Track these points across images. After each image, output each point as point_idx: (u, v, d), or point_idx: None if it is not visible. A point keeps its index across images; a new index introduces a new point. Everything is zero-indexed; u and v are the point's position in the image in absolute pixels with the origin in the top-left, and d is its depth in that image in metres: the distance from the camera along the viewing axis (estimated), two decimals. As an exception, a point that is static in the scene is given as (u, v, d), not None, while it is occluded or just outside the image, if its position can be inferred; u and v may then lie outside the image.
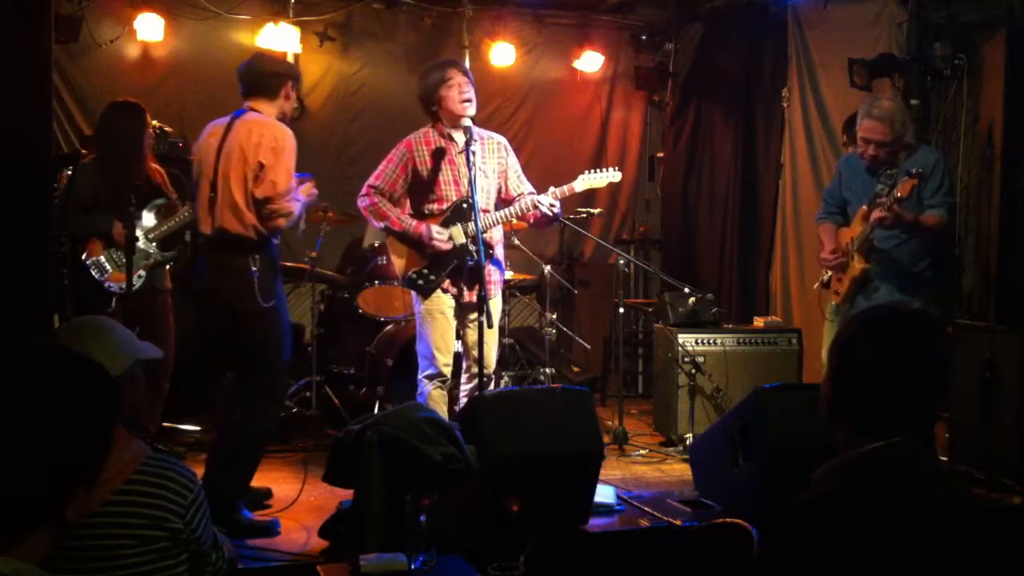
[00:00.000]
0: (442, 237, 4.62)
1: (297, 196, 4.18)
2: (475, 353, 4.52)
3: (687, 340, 5.76)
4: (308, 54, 7.37)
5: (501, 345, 5.71)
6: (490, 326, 4.46)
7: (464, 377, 4.84)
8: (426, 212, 4.72)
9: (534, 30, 8.08)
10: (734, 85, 7.70)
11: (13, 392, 1.42)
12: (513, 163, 4.86)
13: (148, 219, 5.09)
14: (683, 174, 8.22)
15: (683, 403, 5.71)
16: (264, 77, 4.19)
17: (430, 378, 4.66)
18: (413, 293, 4.76)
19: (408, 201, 4.83)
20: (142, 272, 5.00)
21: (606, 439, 4.72)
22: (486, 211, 4.71)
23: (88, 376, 1.51)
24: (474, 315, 4.48)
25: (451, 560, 3.15)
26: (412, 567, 3.05)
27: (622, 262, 6.32)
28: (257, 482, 4.54)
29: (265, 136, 4.05)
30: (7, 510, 1.39)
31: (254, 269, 4.04)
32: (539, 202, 4.68)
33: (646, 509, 4.34)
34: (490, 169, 4.75)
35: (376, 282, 6.07)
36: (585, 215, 6.54)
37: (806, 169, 6.93)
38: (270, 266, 4.13)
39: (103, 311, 4.76)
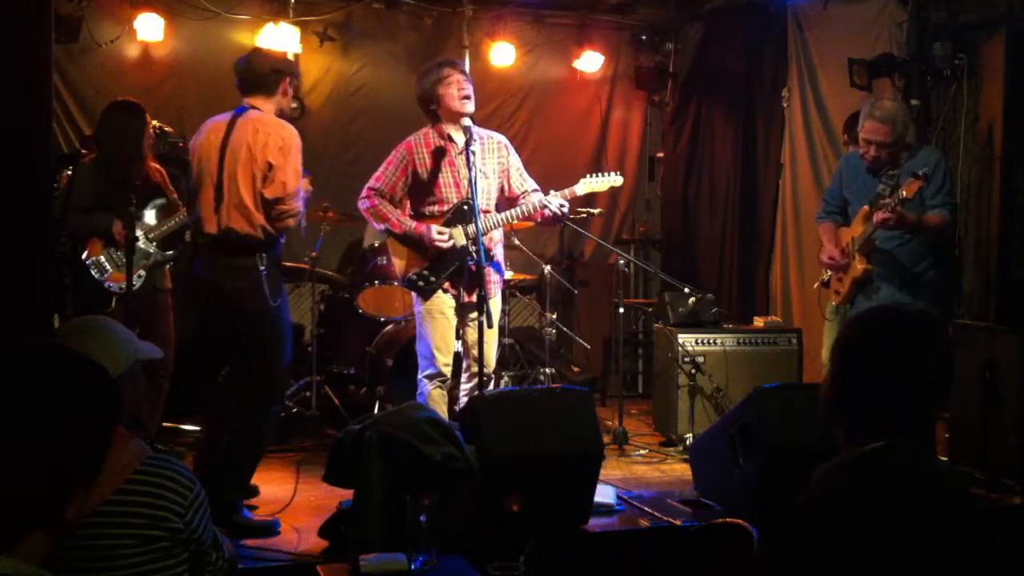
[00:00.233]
0: (443, 237, 4.62)
1: (299, 194, 4.16)
2: (475, 353, 4.52)
3: (687, 340, 5.76)
4: (308, 54, 7.38)
5: (501, 345, 5.71)
6: (490, 326, 4.46)
7: (464, 377, 4.84)
8: (426, 214, 4.72)
9: (534, 30, 8.08)
10: (734, 85, 7.70)
11: (13, 392, 1.42)
12: (515, 161, 4.85)
13: (148, 219, 5.09)
14: (683, 174, 8.22)
15: (683, 403, 5.71)
16: (263, 74, 4.16)
17: (430, 378, 4.66)
18: (413, 293, 4.76)
19: (408, 203, 4.82)
20: (142, 272, 5.00)
21: (606, 439, 4.72)
22: (487, 212, 4.71)
23: (88, 376, 1.51)
24: (474, 315, 4.48)
25: (451, 560, 3.15)
26: (412, 567, 3.04)
27: (622, 262, 6.33)
28: (255, 483, 4.55)
29: (272, 136, 4.02)
30: (7, 510, 1.39)
31: (262, 268, 4.03)
32: (548, 203, 4.69)
33: (646, 509, 4.34)
34: (490, 169, 4.75)
35: (376, 282, 6.07)
36: (585, 215, 6.54)
37: (806, 169, 6.93)
38: (276, 265, 4.13)
39: (103, 311, 4.76)
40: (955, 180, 5.33)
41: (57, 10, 5.81)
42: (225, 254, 4.07)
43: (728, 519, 3.28)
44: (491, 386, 4.74)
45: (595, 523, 4.10)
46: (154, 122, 5.32)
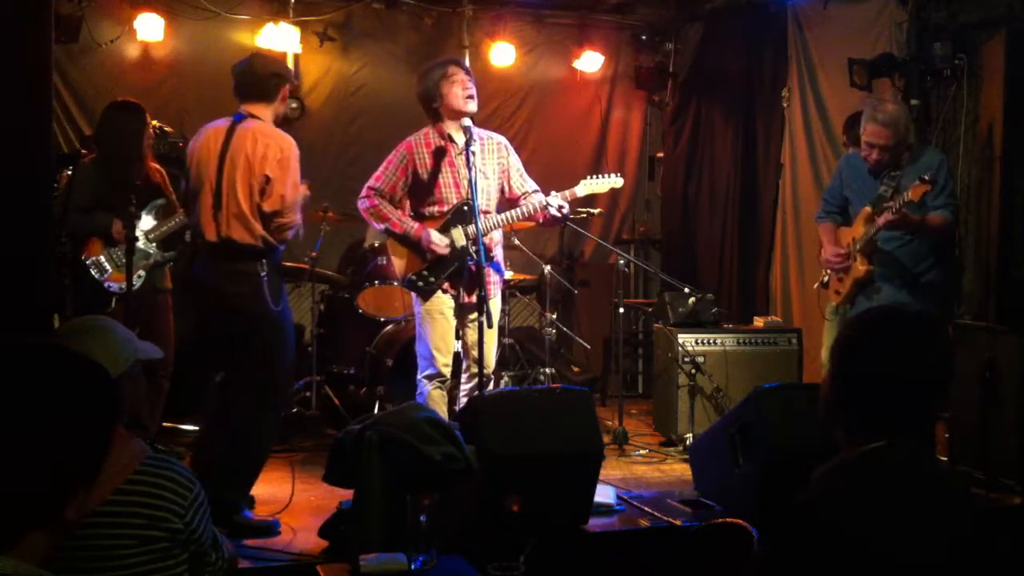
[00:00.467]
0: (441, 244, 4.61)
1: (298, 206, 4.16)
2: (475, 353, 4.52)
3: (687, 340, 5.76)
4: (308, 54, 7.38)
5: (501, 345, 5.71)
6: (490, 326, 4.46)
7: (464, 377, 4.84)
8: (426, 214, 4.72)
9: (534, 30, 8.08)
10: (734, 85, 7.70)
11: (13, 392, 1.42)
12: (515, 162, 4.85)
13: (148, 219, 5.09)
14: (683, 174, 8.22)
15: (683, 403, 5.71)
16: (262, 80, 4.15)
17: (430, 378, 4.66)
18: (413, 294, 4.76)
19: (408, 203, 4.82)
20: (142, 272, 5.00)
21: (606, 439, 4.72)
22: (487, 213, 4.70)
23: (88, 376, 1.51)
24: (474, 315, 4.48)
25: (451, 560, 3.15)
26: (412, 567, 3.04)
27: (622, 262, 6.33)
28: (257, 483, 4.55)
29: (271, 148, 4.02)
30: (7, 510, 1.39)
31: (263, 274, 4.03)
32: (548, 203, 4.68)
33: (646, 509, 4.34)
34: (490, 170, 4.75)
35: (376, 282, 6.07)
36: (585, 215, 6.54)
37: (806, 169, 6.93)
38: (276, 270, 4.13)
39: (103, 311, 4.76)
40: (956, 181, 5.34)
41: (57, 10, 5.81)
42: (225, 259, 4.07)
43: (728, 519, 3.28)
44: (491, 386, 4.74)
45: (595, 523, 4.10)
46: (154, 122, 5.32)
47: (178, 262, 5.10)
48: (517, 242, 6.30)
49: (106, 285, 4.94)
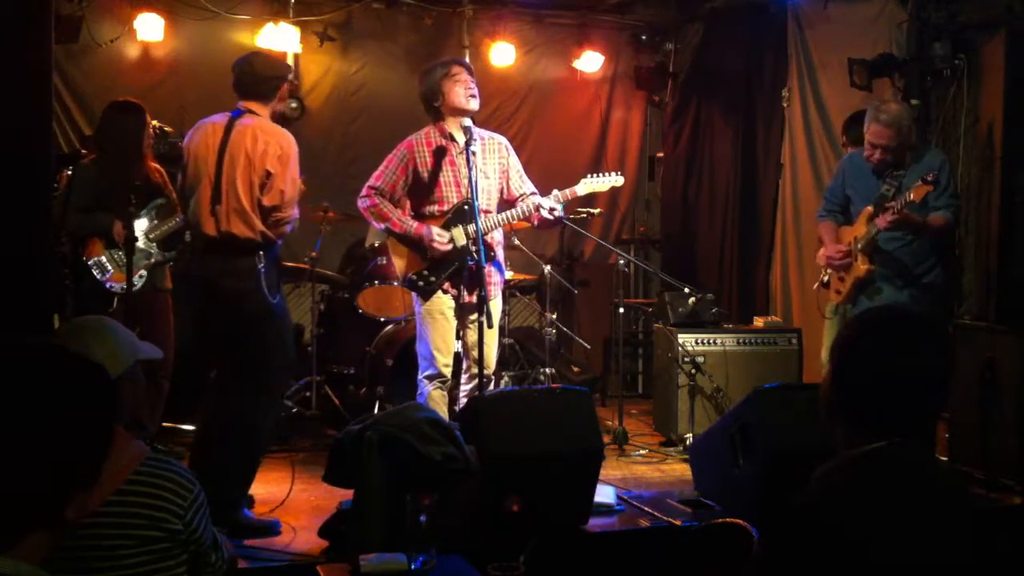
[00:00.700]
0: (443, 240, 4.61)
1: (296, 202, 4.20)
2: (475, 353, 4.52)
3: (687, 340, 5.76)
4: (308, 54, 7.38)
5: (501, 345, 5.71)
6: (490, 326, 4.46)
7: (464, 377, 4.84)
8: (426, 213, 4.72)
9: (534, 30, 8.08)
10: (734, 85, 7.70)
11: (13, 392, 1.42)
12: (514, 163, 4.86)
13: (148, 219, 5.09)
14: (683, 174, 8.22)
15: (683, 403, 5.71)
16: (262, 79, 4.16)
17: (430, 379, 4.66)
18: (413, 294, 4.76)
19: (408, 202, 4.82)
20: (143, 272, 5.00)
21: (606, 439, 4.72)
22: (487, 212, 4.71)
23: (88, 376, 1.51)
24: (474, 316, 4.48)
25: (451, 560, 3.15)
26: (412, 567, 3.05)
27: (622, 262, 6.32)
28: (256, 483, 4.55)
29: (271, 144, 4.04)
30: (7, 510, 1.39)
31: (261, 267, 4.05)
32: (540, 205, 4.68)
33: (646, 509, 4.34)
34: (491, 170, 4.75)
35: (376, 282, 6.07)
36: (585, 215, 6.54)
37: (806, 169, 6.93)
38: (274, 263, 4.16)
39: (103, 311, 4.76)
40: (958, 181, 5.34)
41: (57, 10, 5.81)
42: (223, 254, 4.08)
43: (728, 519, 3.28)
44: (491, 386, 4.74)
45: (595, 523, 4.10)
46: (154, 122, 5.32)
47: (178, 262, 5.10)
48: (517, 242, 6.30)
49: (107, 285, 4.94)
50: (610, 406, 6.54)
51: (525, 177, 4.88)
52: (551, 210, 4.69)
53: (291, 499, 4.35)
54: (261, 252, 4.06)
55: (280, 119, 4.30)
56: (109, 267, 4.96)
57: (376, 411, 5.54)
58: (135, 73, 7.01)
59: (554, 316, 6.44)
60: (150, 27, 6.83)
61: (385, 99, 7.54)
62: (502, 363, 5.96)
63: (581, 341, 7.01)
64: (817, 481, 1.84)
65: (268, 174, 4.02)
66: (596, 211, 6.86)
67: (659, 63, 8.34)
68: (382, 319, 6.07)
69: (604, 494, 4.29)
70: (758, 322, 6.26)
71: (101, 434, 1.49)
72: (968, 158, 5.69)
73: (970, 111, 5.69)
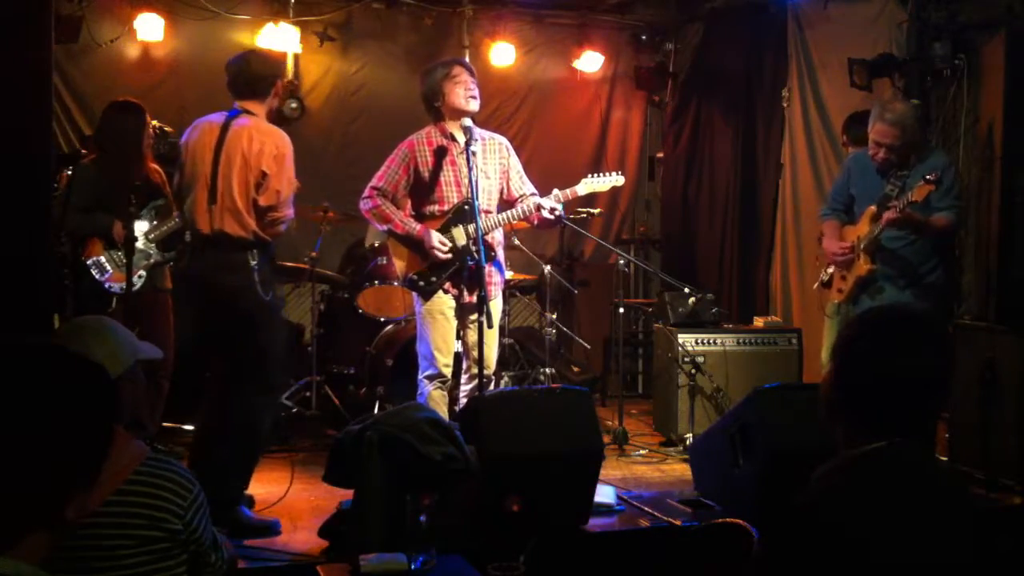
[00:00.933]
0: (443, 248, 4.61)
1: (291, 201, 4.24)
2: (475, 354, 4.52)
3: (687, 340, 5.76)
4: (308, 54, 7.38)
5: (501, 345, 5.71)
6: (490, 326, 4.46)
7: (464, 377, 4.84)
8: (427, 213, 4.72)
9: (534, 30, 8.08)
10: (734, 85, 7.70)
11: (13, 392, 1.42)
12: (515, 164, 4.86)
13: (147, 220, 5.09)
14: (683, 174, 8.22)
15: (683, 403, 5.71)
16: (256, 78, 4.19)
17: (430, 379, 4.66)
18: (414, 294, 4.76)
19: (409, 202, 4.82)
20: (143, 272, 5.00)
21: (606, 439, 4.72)
22: (488, 212, 4.71)
23: (88, 376, 1.51)
24: (474, 316, 4.48)
25: (451, 560, 3.15)
26: (412, 567, 3.05)
27: (622, 262, 6.32)
28: (255, 483, 4.55)
29: (267, 144, 4.07)
30: (7, 510, 1.39)
31: (254, 263, 4.08)
32: (540, 205, 4.69)
33: (646, 509, 4.34)
34: (492, 170, 4.75)
35: (376, 282, 6.07)
36: (585, 215, 6.54)
37: (806, 169, 6.93)
38: (269, 261, 4.19)
39: (103, 311, 4.76)
40: (962, 183, 5.32)
41: (57, 10, 5.80)
42: (217, 251, 4.13)
43: (728, 519, 3.28)
44: (491, 387, 4.74)
45: (595, 523, 4.10)
46: (154, 122, 5.32)
47: (178, 262, 5.10)
48: (517, 242, 6.30)
49: (107, 285, 4.94)
50: (610, 406, 6.54)
51: (525, 178, 4.89)
52: (551, 210, 4.69)
53: (291, 499, 4.35)
54: (255, 250, 4.10)
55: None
56: (108, 267, 4.96)
57: (376, 411, 5.54)
58: (135, 73, 7.01)
59: (554, 316, 6.44)
60: (150, 27, 6.83)
61: (385, 99, 7.54)
62: (502, 363, 5.96)
63: (581, 341, 7.01)
64: (817, 481, 1.84)
65: (264, 174, 4.04)
66: (596, 211, 6.86)
67: (659, 63, 8.34)
68: (382, 319, 6.07)
69: (604, 494, 4.29)
70: (758, 322, 6.26)
71: (101, 434, 1.49)
72: (968, 158, 5.68)
73: (970, 111, 5.69)
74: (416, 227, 4.65)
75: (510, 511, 3.59)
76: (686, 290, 5.98)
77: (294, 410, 5.93)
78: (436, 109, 4.71)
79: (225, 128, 4.12)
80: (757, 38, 7.46)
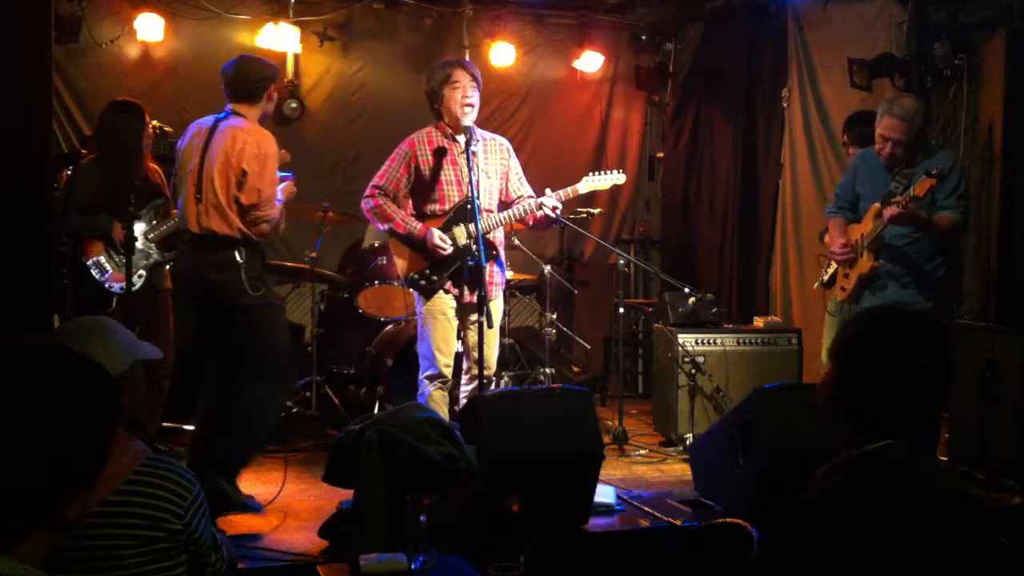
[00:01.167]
0: (445, 244, 4.61)
1: (278, 197, 4.30)
2: (475, 354, 4.52)
3: (687, 340, 5.76)
4: (308, 54, 7.38)
5: (501, 345, 5.71)
6: (490, 327, 4.46)
7: (465, 378, 4.84)
8: (428, 213, 4.72)
9: (534, 30, 8.08)
10: (734, 85, 7.71)
11: (13, 392, 1.42)
12: (515, 165, 4.86)
13: (146, 220, 5.09)
14: (683, 174, 8.22)
15: (683, 403, 5.71)
16: (249, 82, 4.27)
17: (431, 379, 4.65)
18: (416, 293, 4.76)
19: (410, 202, 4.82)
20: (142, 272, 5.00)
21: (606, 439, 4.72)
22: (489, 211, 4.71)
23: (88, 376, 1.51)
24: (475, 316, 4.48)
25: (451, 560, 3.15)
26: (412, 567, 3.05)
27: (622, 262, 6.32)
28: (254, 483, 4.55)
29: (248, 143, 4.15)
30: (7, 510, 1.39)
31: (240, 261, 4.17)
32: (543, 204, 4.68)
33: (646, 509, 4.33)
34: (493, 170, 4.75)
35: (376, 282, 6.07)
36: (585, 215, 6.54)
37: (806, 169, 6.93)
38: (257, 257, 4.25)
39: (103, 311, 4.76)
40: (970, 183, 5.29)
41: (57, 10, 5.81)
42: (206, 250, 4.22)
43: (728, 519, 3.28)
44: (491, 387, 4.74)
45: (595, 523, 4.10)
46: (154, 122, 5.32)
47: (177, 262, 5.11)
48: (517, 242, 6.29)
49: (106, 286, 4.94)
50: (610, 406, 6.53)
51: (524, 180, 4.89)
52: (553, 208, 4.69)
53: (291, 499, 4.35)
54: (241, 248, 4.18)
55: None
56: (108, 267, 4.96)
57: (376, 411, 5.54)
58: (135, 73, 7.01)
59: (554, 316, 6.44)
60: (150, 27, 6.83)
61: (385, 99, 7.54)
62: (502, 363, 5.96)
63: (581, 341, 7.01)
64: (817, 481, 1.84)
65: (244, 172, 4.13)
66: (596, 211, 6.86)
67: (659, 63, 8.34)
68: (382, 319, 6.07)
69: (604, 494, 4.29)
70: (758, 322, 6.25)
71: (101, 434, 1.49)
72: (968, 158, 5.68)
73: (970, 111, 5.69)
74: (417, 226, 4.65)
75: (510, 511, 3.59)
76: (686, 290, 5.97)
77: (294, 410, 5.93)
78: (436, 110, 4.71)
79: (213, 129, 4.24)
80: (757, 38, 7.46)
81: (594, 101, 8.40)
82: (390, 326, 6.00)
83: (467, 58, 7.36)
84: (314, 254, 6.15)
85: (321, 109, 7.54)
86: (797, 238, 7.04)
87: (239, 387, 4.17)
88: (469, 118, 4.60)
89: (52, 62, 3.89)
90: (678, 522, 4.13)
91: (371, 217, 4.78)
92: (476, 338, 4.44)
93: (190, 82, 6.98)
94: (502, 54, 7.77)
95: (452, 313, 4.68)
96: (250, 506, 4.13)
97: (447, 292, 4.68)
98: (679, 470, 5.19)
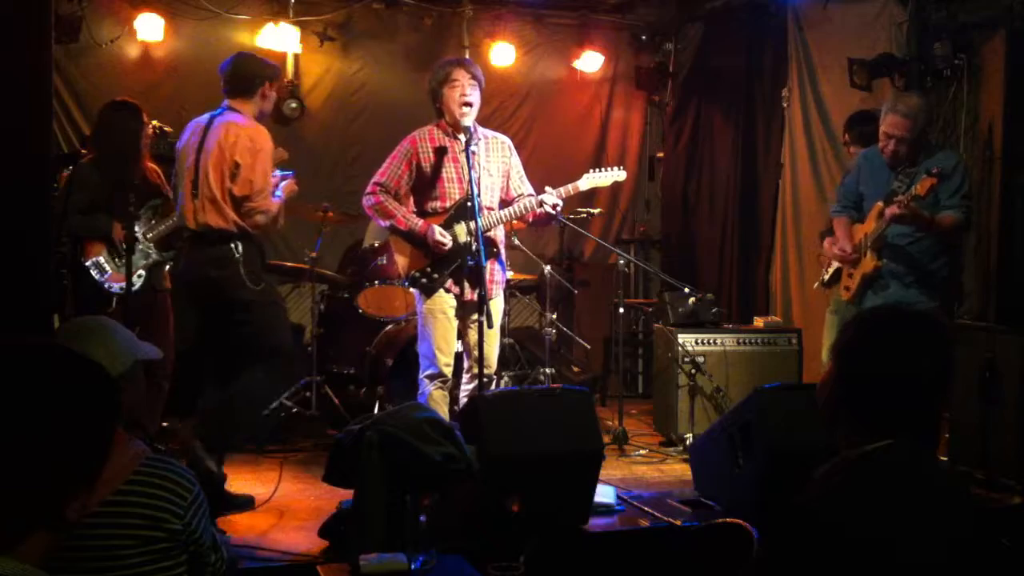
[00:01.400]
0: (445, 240, 4.62)
1: (278, 193, 4.37)
2: (476, 353, 4.52)
3: (687, 340, 5.76)
4: (308, 54, 7.38)
5: (501, 345, 5.71)
6: (490, 326, 4.46)
7: (465, 377, 4.84)
8: (429, 210, 4.72)
9: (534, 30, 8.08)
10: (734, 85, 7.71)
11: (13, 392, 1.42)
12: (516, 164, 4.86)
13: (145, 219, 5.09)
14: (683, 174, 8.23)
15: (683, 403, 5.71)
16: (243, 78, 4.35)
17: (431, 378, 4.65)
18: (416, 293, 4.76)
19: (411, 199, 4.82)
20: (141, 272, 4.99)
21: (606, 439, 4.72)
22: (491, 209, 4.72)
23: (88, 376, 1.51)
24: (475, 315, 4.48)
25: (451, 560, 3.15)
26: (412, 567, 3.05)
27: (622, 262, 6.32)
28: (253, 482, 4.55)
29: (242, 136, 4.21)
30: (7, 510, 1.39)
31: (238, 256, 4.23)
32: (543, 201, 4.68)
33: (646, 509, 4.33)
34: (494, 168, 4.75)
35: (376, 282, 6.07)
36: (585, 215, 6.54)
37: (806, 169, 6.93)
38: (255, 251, 4.31)
39: (103, 311, 4.76)
40: (973, 184, 5.28)
41: (57, 10, 5.81)
42: (204, 245, 4.29)
43: (728, 519, 3.28)
44: (491, 386, 4.74)
45: (595, 523, 4.09)
46: (154, 122, 5.32)
47: (177, 262, 5.10)
48: (517, 242, 6.29)
49: (106, 286, 4.94)
50: (610, 406, 6.53)
51: (525, 179, 4.89)
52: (554, 205, 4.69)
53: (291, 499, 4.35)
54: (238, 242, 4.24)
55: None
56: (107, 267, 4.95)
57: (376, 411, 5.54)
58: (135, 73, 7.01)
59: (554, 316, 6.44)
60: (150, 27, 6.84)
61: (385, 99, 7.54)
62: (502, 363, 5.96)
63: (581, 341, 7.01)
64: (817, 481, 1.84)
65: (237, 164, 4.20)
66: (596, 211, 6.86)
67: (659, 63, 8.34)
68: (382, 319, 6.07)
69: (604, 494, 4.29)
70: (758, 322, 6.25)
71: (101, 434, 1.49)
72: (968, 158, 5.68)
73: (970, 111, 5.70)
74: (418, 222, 4.65)
75: (510, 511, 3.59)
76: (686, 290, 5.97)
77: (294, 410, 5.93)
78: (438, 109, 4.72)
79: (209, 125, 4.31)
80: (757, 38, 7.46)
81: (594, 101, 8.40)
82: (390, 326, 5.99)
83: (467, 57, 7.35)
84: (314, 254, 6.15)
85: (321, 109, 7.55)
86: (797, 238, 7.04)
87: (231, 383, 4.25)
88: (468, 117, 4.60)
89: (52, 62, 3.88)
90: (678, 522, 4.13)
91: (372, 214, 4.78)
92: (476, 337, 4.44)
93: (190, 82, 6.98)
94: (502, 54, 7.77)
95: (452, 312, 4.68)
96: (239, 502, 4.17)
97: (448, 291, 4.68)
98: (679, 470, 5.19)
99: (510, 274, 5.83)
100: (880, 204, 4.78)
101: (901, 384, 1.85)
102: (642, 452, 5.63)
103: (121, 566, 2.05)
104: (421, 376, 4.70)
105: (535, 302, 7.70)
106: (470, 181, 4.49)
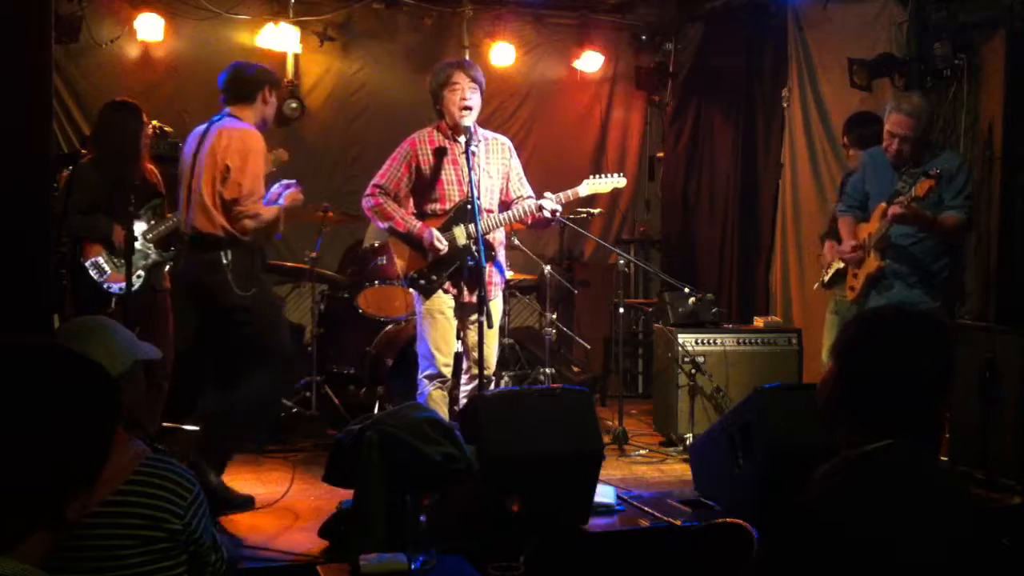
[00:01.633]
0: (441, 245, 4.62)
1: (279, 201, 4.36)
2: (475, 354, 4.52)
3: (687, 340, 5.76)
4: (308, 54, 7.38)
5: (501, 345, 5.71)
6: (490, 326, 4.46)
7: (464, 378, 4.84)
8: (428, 212, 4.72)
9: (534, 30, 8.08)
10: (734, 85, 7.71)
11: (13, 392, 1.42)
12: (516, 165, 4.86)
13: (144, 220, 5.09)
14: (683, 174, 8.23)
15: (683, 403, 5.71)
16: (242, 84, 4.36)
17: (430, 378, 4.66)
18: (415, 293, 4.76)
19: (411, 201, 4.82)
20: (141, 272, 5.00)
21: (606, 439, 4.72)
22: (490, 211, 4.71)
23: (88, 376, 1.51)
24: (474, 316, 4.48)
25: (451, 560, 3.15)
26: (412, 567, 3.05)
27: (622, 262, 6.32)
28: (254, 483, 4.55)
29: (234, 140, 4.22)
30: (7, 510, 1.39)
31: (226, 262, 4.22)
32: (543, 206, 4.68)
33: (646, 509, 4.33)
34: (494, 170, 4.75)
35: (376, 282, 6.07)
36: (585, 215, 6.54)
37: (806, 169, 6.93)
38: (245, 257, 4.27)
39: (103, 311, 4.76)
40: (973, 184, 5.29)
41: (57, 10, 5.81)
42: (198, 250, 4.29)
43: (728, 519, 3.29)
44: (491, 387, 4.74)
45: (595, 523, 4.09)
46: (154, 122, 5.33)
47: (177, 262, 5.11)
48: (517, 242, 6.29)
49: (105, 286, 4.94)
50: (610, 406, 6.53)
51: (524, 180, 4.89)
52: (553, 212, 4.69)
53: (291, 499, 4.35)
54: (228, 248, 4.23)
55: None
56: (107, 268, 4.95)
57: (376, 411, 5.54)
58: (135, 73, 7.01)
59: (554, 316, 6.44)
60: (150, 27, 6.84)
61: (385, 99, 7.54)
62: (502, 363, 5.96)
63: (581, 341, 7.01)
64: (817, 481, 1.84)
65: (228, 168, 4.20)
66: (596, 211, 6.85)
67: (659, 63, 8.34)
68: (382, 319, 6.07)
69: (604, 494, 4.29)
70: (758, 322, 6.26)
71: (101, 434, 1.49)
72: (968, 158, 5.68)
73: (970, 111, 5.69)
74: (417, 224, 4.66)
75: (510, 511, 3.60)
76: (686, 290, 5.97)
77: (294, 410, 5.94)
78: (438, 110, 4.72)
79: (206, 132, 4.32)
80: (757, 38, 7.46)
81: (594, 101, 8.40)
82: (390, 326, 5.99)
83: (467, 58, 7.35)
84: (314, 254, 6.15)
85: (321, 109, 7.55)
86: (797, 238, 7.04)
87: (229, 389, 4.21)
88: (468, 120, 4.60)
89: (52, 62, 3.88)
90: (678, 522, 4.13)
91: (371, 215, 4.78)
92: (476, 338, 4.45)
93: (190, 82, 6.98)
94: (502, 54, 7.77)
95: (451, 313, 4.69)
96: (239, 502, 4.16)
97: (446, 292, 4.68)
98: (679, 470, 5.19)
99: (510, 274, 5.83)
100: (883, 205, 4.78)
101: (902, 384, 1.85)
102: (642, 452, 5.63)
103: (121, 566, 2.05)
104: (420, 376, 4.70)
105: (535, 302, 7.70)
106: (470, 183, 4.49)
